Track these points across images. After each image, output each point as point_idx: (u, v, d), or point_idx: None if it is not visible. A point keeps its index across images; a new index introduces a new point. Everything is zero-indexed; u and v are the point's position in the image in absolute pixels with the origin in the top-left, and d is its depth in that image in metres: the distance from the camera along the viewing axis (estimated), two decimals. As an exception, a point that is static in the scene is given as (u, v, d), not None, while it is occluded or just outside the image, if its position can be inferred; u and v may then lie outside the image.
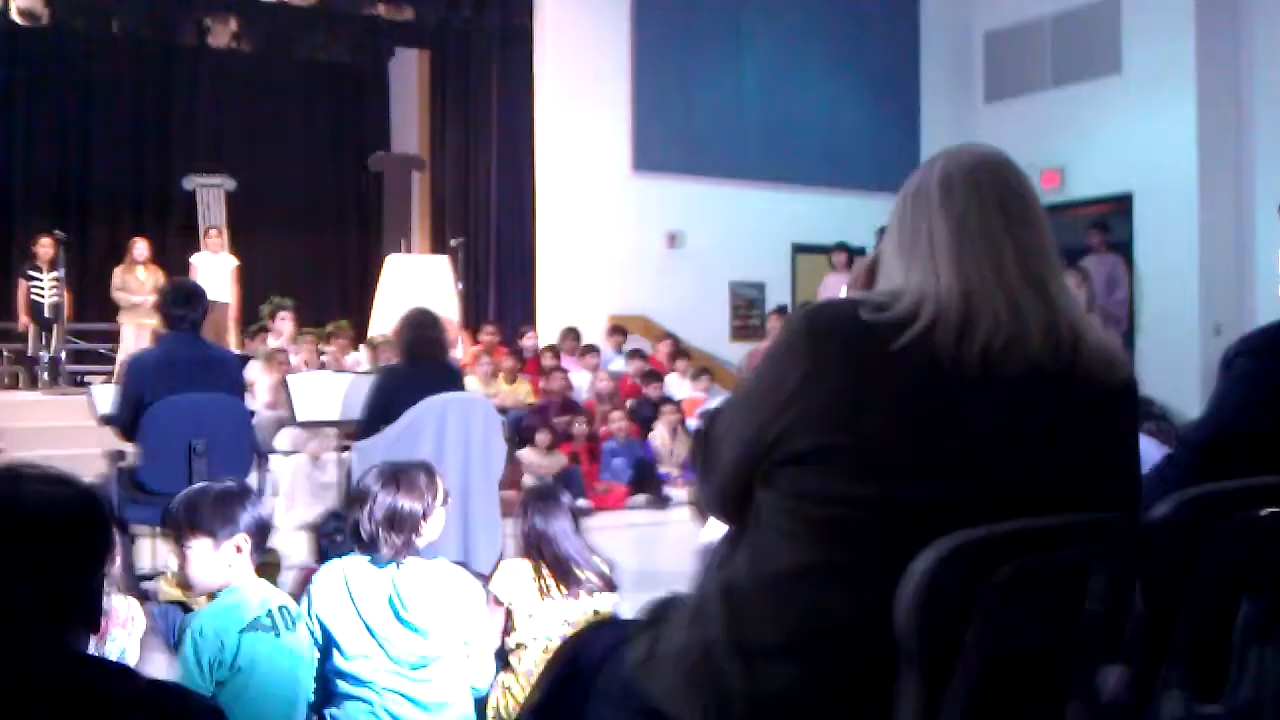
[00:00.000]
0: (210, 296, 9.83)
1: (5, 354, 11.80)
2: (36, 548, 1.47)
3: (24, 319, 10.96)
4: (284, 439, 8.41)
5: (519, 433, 9.17)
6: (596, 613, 3.64)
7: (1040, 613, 1.41)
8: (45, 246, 10.95)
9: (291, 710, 2.52)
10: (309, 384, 5.95)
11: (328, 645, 2.78)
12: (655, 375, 10.77)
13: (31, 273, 10.94)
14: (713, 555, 1.62)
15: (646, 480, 9.60)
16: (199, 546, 2.58)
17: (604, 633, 1.85)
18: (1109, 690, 1.61)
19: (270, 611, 2.56)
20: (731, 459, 1.59)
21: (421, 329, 5.35)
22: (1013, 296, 1.50)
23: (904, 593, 1.34)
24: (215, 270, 11.57)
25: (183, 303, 5.12)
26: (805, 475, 1.48)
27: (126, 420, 5.07)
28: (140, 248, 11.53)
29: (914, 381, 1.46)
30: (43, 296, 10.91)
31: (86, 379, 11.31)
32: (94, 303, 11.97)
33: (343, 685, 2.79)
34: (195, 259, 11.93)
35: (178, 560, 2.67)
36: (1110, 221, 11.92)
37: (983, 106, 14.09)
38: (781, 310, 10.82)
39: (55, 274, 10.92)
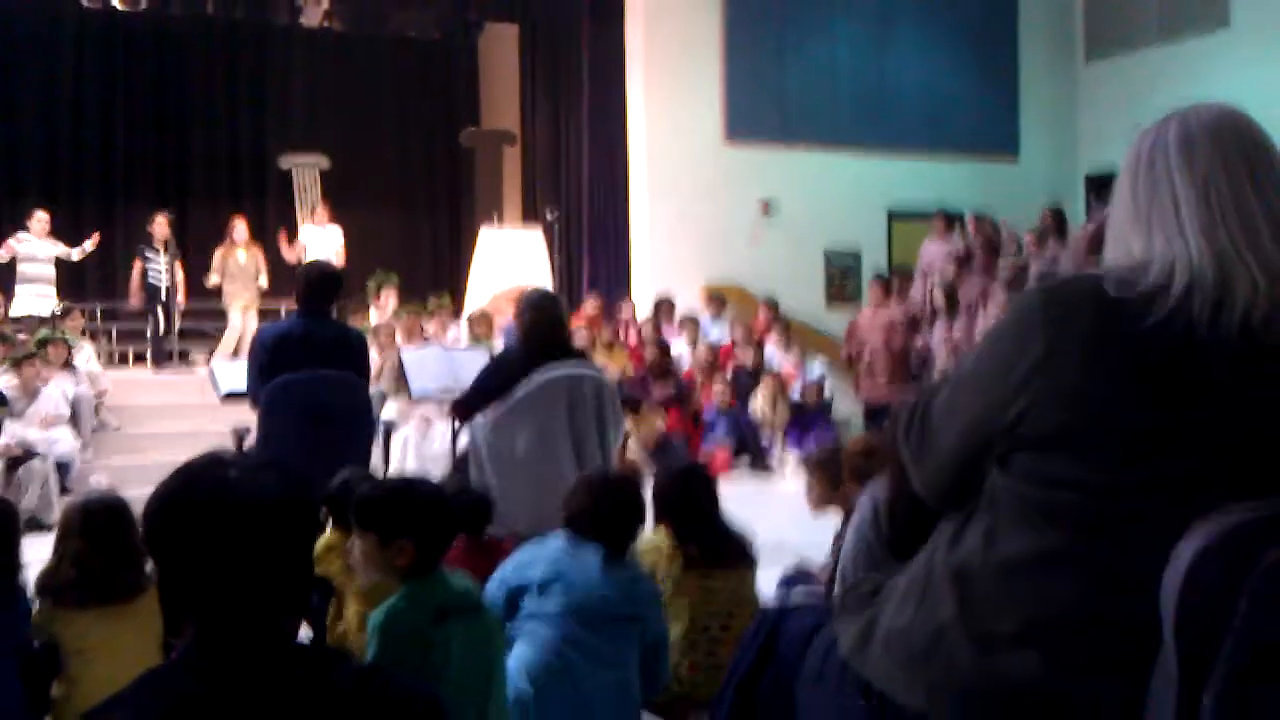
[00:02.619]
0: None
1: (114, 333, 12.05)
2: (250, 535, 1.45)
3: (136, 298, 11.05)
4: (388, 412, 8.54)
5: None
6: (740, 584, 3.62)
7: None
8: (161, 226, 10.99)
9: (488, 691, 2.52)
10: (422, 360, 5.98)
11: (519, 594, 3.00)
12: (756, 343, 10.73)
13: (149, 254, 11.03)
14: (936, 536, 1.57)
15: (748, 448, 9.59)
16: (365, 542, 2.57)
17: (803, 614, 1.82)
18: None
19: (455, 597, 2.55)
20: (955, 441, 1.54)
21: (540, 310, 5.24)
22: (1268, 260, 1.42)
23: (1169, 579, 1.29)
24: (323, 243, 11.64)
25: (317, 285, 5.15)
26: (1047, 460, 1.43)
27: (257, 394, 5.14)
28: (240, 229, 11.54)
29: (1170, 360, 1.39)
30: (160, 277, 11.01)
31: (191, 357, 11.52)
32: (195, 282, 12.18)
33: (530, 625, 2.98)
34: (303, 233, 12.01)
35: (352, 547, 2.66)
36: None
37: (1084, 66, 13.72)
38: (880, 278, 10.60)
39: (170, 254, 11.01)
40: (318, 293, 5.19)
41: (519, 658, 2.93)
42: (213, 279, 11.34)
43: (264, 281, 11.42)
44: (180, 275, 11.21)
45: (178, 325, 11.22)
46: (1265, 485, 1.36)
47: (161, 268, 10.98)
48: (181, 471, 1.52)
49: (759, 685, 1.76)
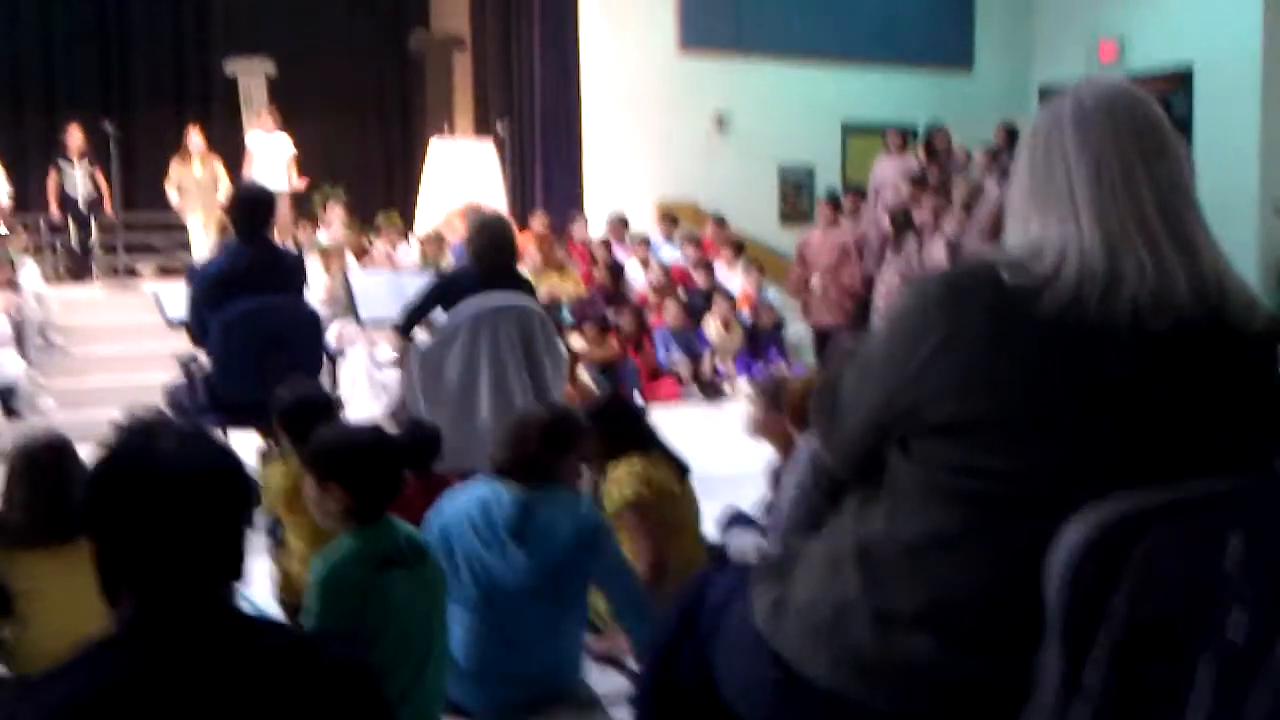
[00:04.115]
0: (269, 184, 9.67)
1: (56, 247, 11.77)
2: (179, 505, 1.49)
3: (55, 210, 10.83)
4: (333, 335, 8.45)
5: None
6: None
7: (1182, 575, 1.41)
8: (73, 136, 10.73)
9: (430, 640, 2.55)
10: (372, 286, 5.94)
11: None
12: (708, 264, 10.69)
13: (62, 163, 10.78)
14: (845, 508, 1.63)
15: (700, 374, 9.60)
16: (309, 482, 2.60)
17: (725, 575, 1.87)
18: (1235, 634, 1.61)
19: (399, 545, 2.57)
20: (856, 425, 1.59)
21: (490, 234, 5.16)
22: (1157, 245, 1.45)
23: (1054, 564, 1.35)
24: (272, 152, 11.37)
25: (251, 210, 5.10)
26: (944, 446, 1.47)
27: (199, 329, 5.11)
28: (195, 139, 11.29)
29: (1060, 348, 1.42)
30: (75, 188, 10.76)
31: (137, 270, 11.33)
32: (144, 193, 11.90)
33: (453, 607, 2.92)
34: (250, 139, 11.70)
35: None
36: (1170, 99, 11.58)
37: (1039, -24, 13.63)
38: (830, 199, 10.46)
39: (86, 164, 10.75)
40: (256, 216, 5.13)
41: (453, 637, 2.88)
42: (170, 194, 11.12)
43: (223, 195, 11.13)
44: (105, 187, 10.92)
45: (96, 239, 10.95)
46: (1160, 469, 1.42)
47: (77, 179, 10.70)
48: (112, 447, 1.56)
49: (679, 655, 1.80)
